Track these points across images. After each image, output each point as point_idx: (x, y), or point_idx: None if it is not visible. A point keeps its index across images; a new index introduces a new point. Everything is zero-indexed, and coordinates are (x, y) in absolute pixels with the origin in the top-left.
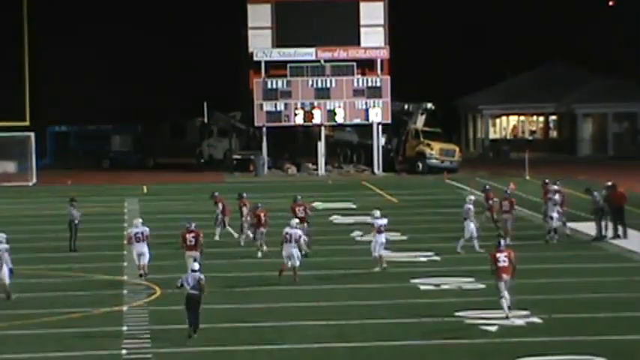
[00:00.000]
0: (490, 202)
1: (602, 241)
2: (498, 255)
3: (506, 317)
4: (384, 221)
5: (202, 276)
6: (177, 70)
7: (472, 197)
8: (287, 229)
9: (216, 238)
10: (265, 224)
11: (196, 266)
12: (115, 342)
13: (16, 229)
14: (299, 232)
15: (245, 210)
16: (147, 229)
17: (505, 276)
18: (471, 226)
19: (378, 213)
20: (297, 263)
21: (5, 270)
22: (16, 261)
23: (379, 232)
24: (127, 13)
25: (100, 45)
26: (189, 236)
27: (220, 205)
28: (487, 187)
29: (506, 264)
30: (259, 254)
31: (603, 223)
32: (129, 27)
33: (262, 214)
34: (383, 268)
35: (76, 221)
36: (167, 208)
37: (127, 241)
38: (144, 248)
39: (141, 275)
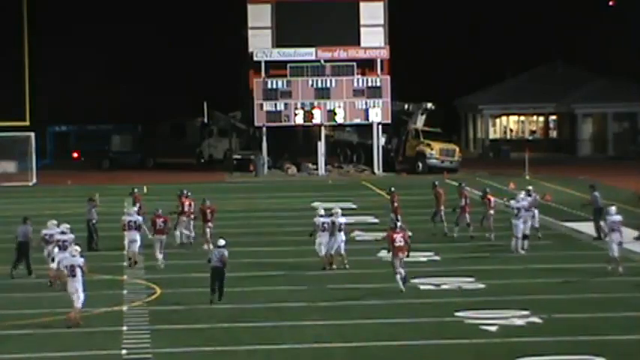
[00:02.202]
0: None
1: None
2: (395, 236)
3: (401, 291)
4: (344, 220)
5: (226, 252)
6: (177, 70)
7: (521, 196)
8: (321, 219)
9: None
10: (211, 220)
11: (222, 242)
12: (115, 342)
13: (16, 229)
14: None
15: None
16: (140, 218)
17: (400, 254)
18: (520, 226)
19: (340, 212)
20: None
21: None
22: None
23: (339, 230)
24: (127, 13)
25: (100, 45)
26: (159, 221)
27: (138, 204)
28: (462, 184)
29: (402, 244)
30: (205, 247)
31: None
32: (129, 27)
33: (208, 210)
34: (345, 265)
35: (94, 220)
36: (167, 208)
37: (122, 227)
38: (136, 236)
39: (129, 263)
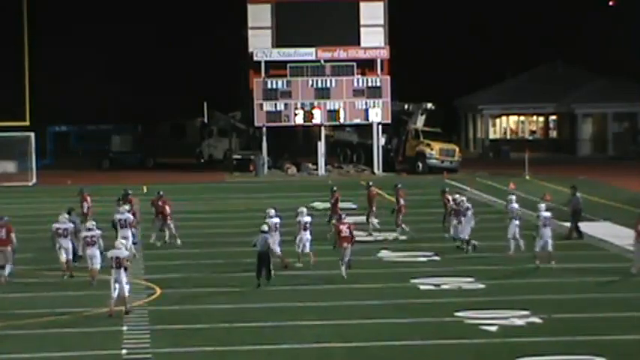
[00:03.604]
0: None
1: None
2: (342, 227)
3: (343, 277)
4: (309, 219)
5: (269, 237)
6: (177, 70)
7: (513, 197)
8: (273, 220)
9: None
10: (170, 216)
11: (266, 227)
12: (115, 342)
13: (16, 228)
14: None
15: (136, 207)
16: (130, 216)
17: (346, 244)
18: (517, 229)
19: (305, 210)
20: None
21: (97, 254)
22: (16, 261)
23: (304, 229)
24: (127, 13)
25: (100, 45)
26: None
27: (86, 205)
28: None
29: (347, 234)
30: (171, 241)
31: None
32: (129, 27)
33: (167, 206)
34: (313, 263)
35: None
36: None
37: (112, 226)
38: (127, 233)
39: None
